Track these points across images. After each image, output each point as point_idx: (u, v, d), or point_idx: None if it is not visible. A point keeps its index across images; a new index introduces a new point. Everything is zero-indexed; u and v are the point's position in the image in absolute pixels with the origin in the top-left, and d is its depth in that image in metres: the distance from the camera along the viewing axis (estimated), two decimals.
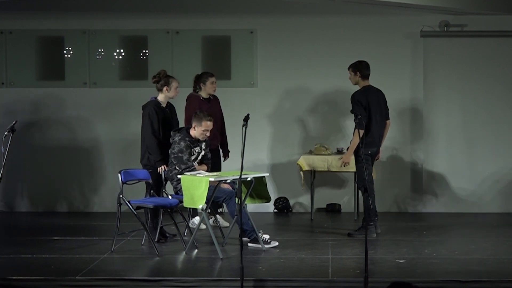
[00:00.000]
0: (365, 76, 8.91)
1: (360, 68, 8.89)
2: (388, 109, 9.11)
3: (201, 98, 9.44)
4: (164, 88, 8.65)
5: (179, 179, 8.16)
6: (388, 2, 9.73)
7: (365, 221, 8.72)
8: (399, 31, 10.66)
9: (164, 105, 8.72)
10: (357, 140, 8.58)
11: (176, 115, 8.93)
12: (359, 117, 7.54)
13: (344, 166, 9.09)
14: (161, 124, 8.58)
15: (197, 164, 8.51)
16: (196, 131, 8.42)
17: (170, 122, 8.74)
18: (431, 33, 10.56)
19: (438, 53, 10.61)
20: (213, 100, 9.58)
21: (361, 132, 8.43)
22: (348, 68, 8.98)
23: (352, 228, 9.12)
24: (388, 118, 9.11)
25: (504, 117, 10.61)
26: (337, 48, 10.65)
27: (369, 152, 8.81)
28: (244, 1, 10.64)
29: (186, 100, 9.45)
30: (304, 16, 10.67)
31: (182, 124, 9.21)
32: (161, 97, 8.71)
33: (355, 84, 8.99)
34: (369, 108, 8.78)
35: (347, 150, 9.16)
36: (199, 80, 9.48)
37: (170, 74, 8.87)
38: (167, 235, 8.79)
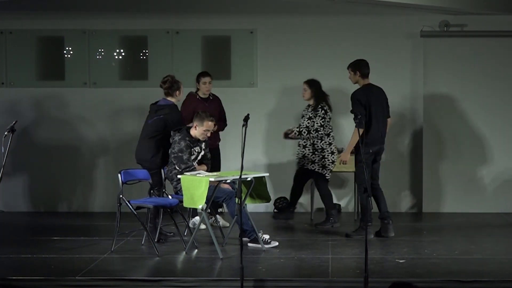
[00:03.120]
0: (365, 75, 8.88)
1: (360, 67, 8.86)
2: (389, 107, 9.08)
3: (198, 97, 9.46)
4: (177, 92, 8.69)
5: (179, 179, 8.16)
6: (388, 2, 9.74)
7: (362, 221, 8.71)
8: (399, 31, 10.66)
9: None
10: (355, 139, 8.57)
11: None
12: (359, 116, 7.54)
13: (342, 164, 9.08)
14: None
15: (197, 164, 8.51)
16: (197, 131, 8.42)
17: None
18: (431, 33, 10.56)
19: (438, 53, 10.60)
20: (212, 100, 9.58)
21: (361, 131, 8.42)
22: (348, 68, 8.96)
23: (351, 229, 9.12)
24: (389, 116, 9.09)
25: (504, 117, 10.61)
26: (337, 48, 10.65)
27: (370, 151, 8.77)
28: (244, 1, 10.64)
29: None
30: (304, 16, 10.67)
31: None
32: (173, 101, 8.74)
33: (355, 83, 8.97)
34: (369, 107, 8.73)
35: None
36: (196, 80, 9.55)
37: (170, 74, 8.89)
38: (167, 234, 8.79)
